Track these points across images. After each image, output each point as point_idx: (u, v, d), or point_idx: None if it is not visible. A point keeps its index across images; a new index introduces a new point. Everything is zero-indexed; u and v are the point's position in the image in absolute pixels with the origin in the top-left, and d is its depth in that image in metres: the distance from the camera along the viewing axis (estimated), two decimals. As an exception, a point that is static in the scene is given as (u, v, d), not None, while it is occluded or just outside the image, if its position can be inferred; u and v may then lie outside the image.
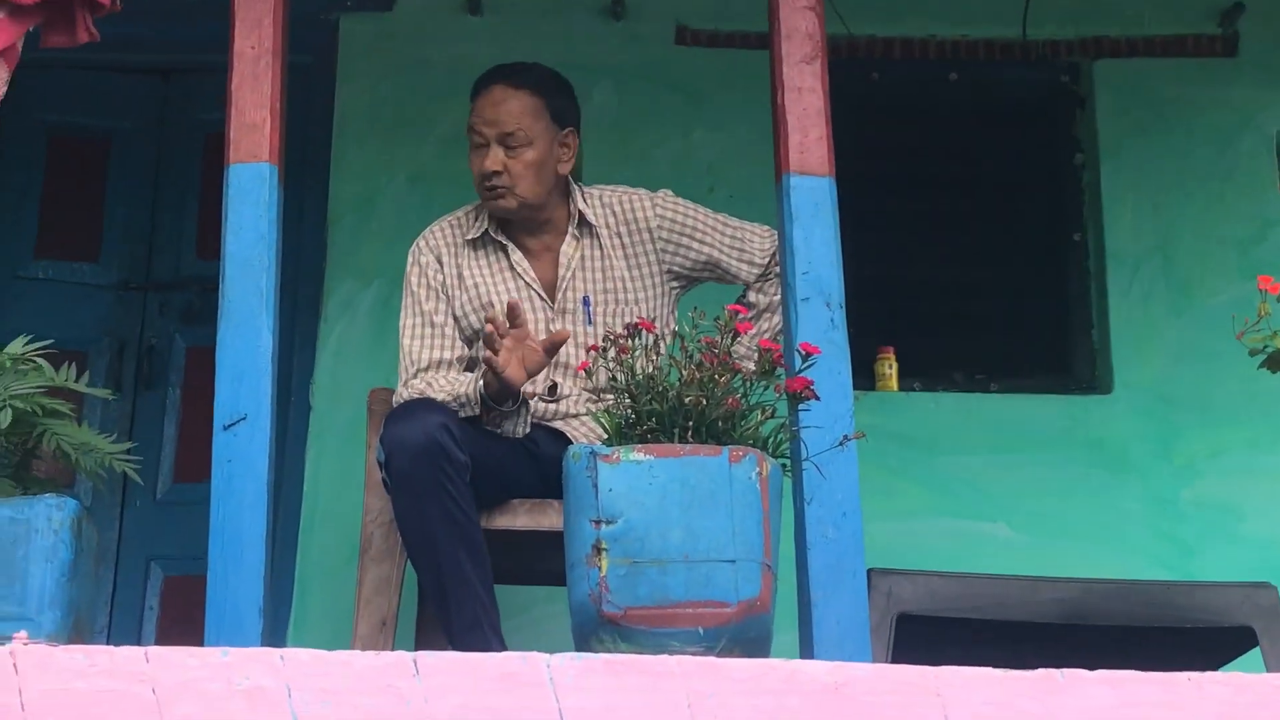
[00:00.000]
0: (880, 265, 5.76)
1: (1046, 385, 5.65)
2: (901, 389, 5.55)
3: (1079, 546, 5.12)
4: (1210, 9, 5.76)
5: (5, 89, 3.74)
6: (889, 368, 5.60)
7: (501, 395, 3.85)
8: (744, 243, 4.28)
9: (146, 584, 5.37)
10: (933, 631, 3.85)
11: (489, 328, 3.70)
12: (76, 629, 2.94)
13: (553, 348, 3.84)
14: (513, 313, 3.77)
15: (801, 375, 3.21)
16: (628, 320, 3.63)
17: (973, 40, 5.76)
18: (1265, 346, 3.17)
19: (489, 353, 3.73)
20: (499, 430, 3.94)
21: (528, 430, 3.96)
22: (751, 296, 4.25)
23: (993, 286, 5.85)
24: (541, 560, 3.78)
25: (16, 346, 3.10)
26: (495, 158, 4.09)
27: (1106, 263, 5.67)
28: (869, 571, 3.77)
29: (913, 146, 5.87)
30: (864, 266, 5.80)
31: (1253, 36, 5.73)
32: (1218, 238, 5.51)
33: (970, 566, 4.45)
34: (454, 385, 3.98)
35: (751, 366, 3.19)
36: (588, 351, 3.40)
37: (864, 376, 5.64)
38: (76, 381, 3.17)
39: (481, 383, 3.88)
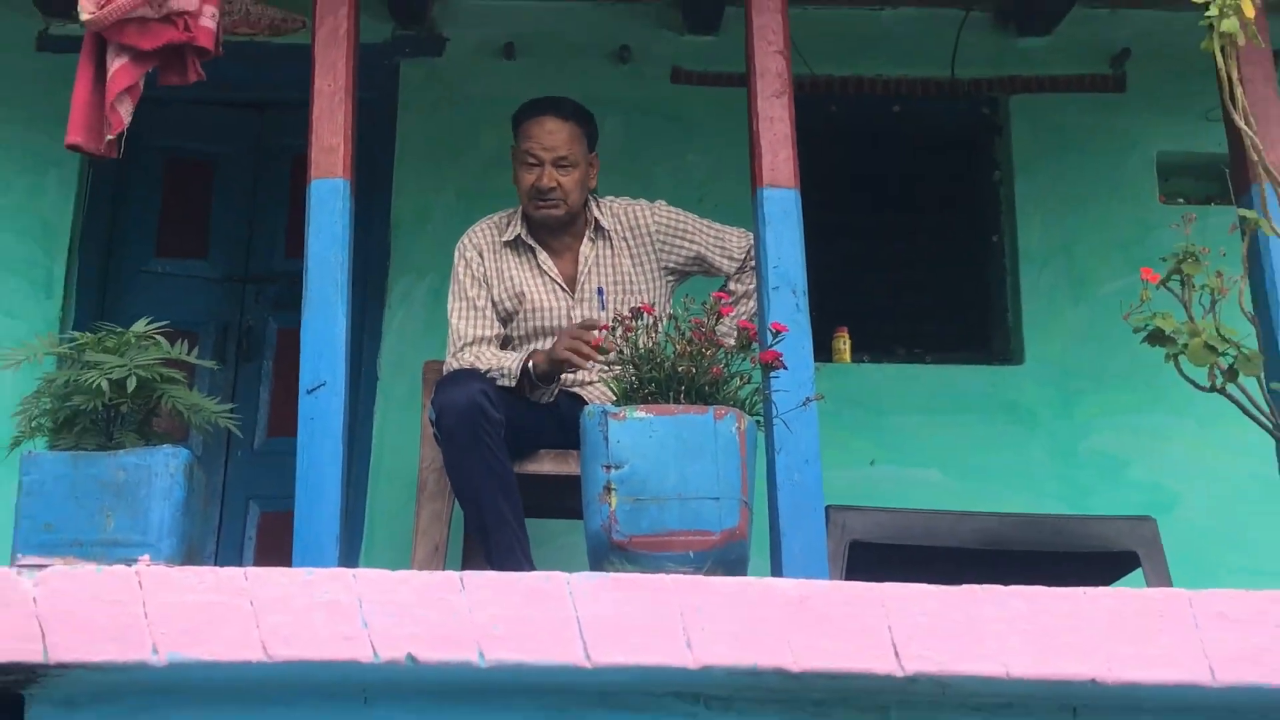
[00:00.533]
0: (837, 261, 5.75)
1: (970, 358, 5.64)
2: (854, 361, 5.54)
3: (996, 488, 5.12)
4: (1103, 53, 5.75)
5: (129, 120, 3.74)
6: (843, 344, 5.59)
7: (549, 377, 3.94)
8: (725, 242, 4.29)
9: (246, 519, 5.38)
10: (879, 556, 3.85)
11: (586, 350, 3.76)
12: (188, 554, 2.95)
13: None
14: (589, 326, 3.83)
15: (772, 349, 3.21)
16: (632, 306, 3.64)
17: (911, 79, 5.75)
18: (1146, 325, 3.17)
19: (569, 353, 3.81)
20: (530, 397, 3.95)
21: (553, 398, 3.98)
22: (731, 286, 4.26)
23: (927, 278, 5.84)
24: (563, 499, 3.78)
25: (140, 326, 3.11)
26: (551, 176, 4.12)
27: (1019, 260, 5.66)
28: (827, 508, 3.77)
29: (863, 165, 5.86)
30: (824, 262, 5.79)
31: (1137, 76, 5.72)
32: (1109, 239, 5.50)
33: (909, 504, 4.46)
34: (499, 360, 4.00)
35: (732, 342, 3.19)
36: (600, 331, 3.41)
37: (823, 351, 5.61)
38: (188, 355, 3.18)
39: (532, 363, 3.93)
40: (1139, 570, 3.98)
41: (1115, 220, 5.55)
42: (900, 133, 5.92)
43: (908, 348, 5.68)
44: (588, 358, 3.73)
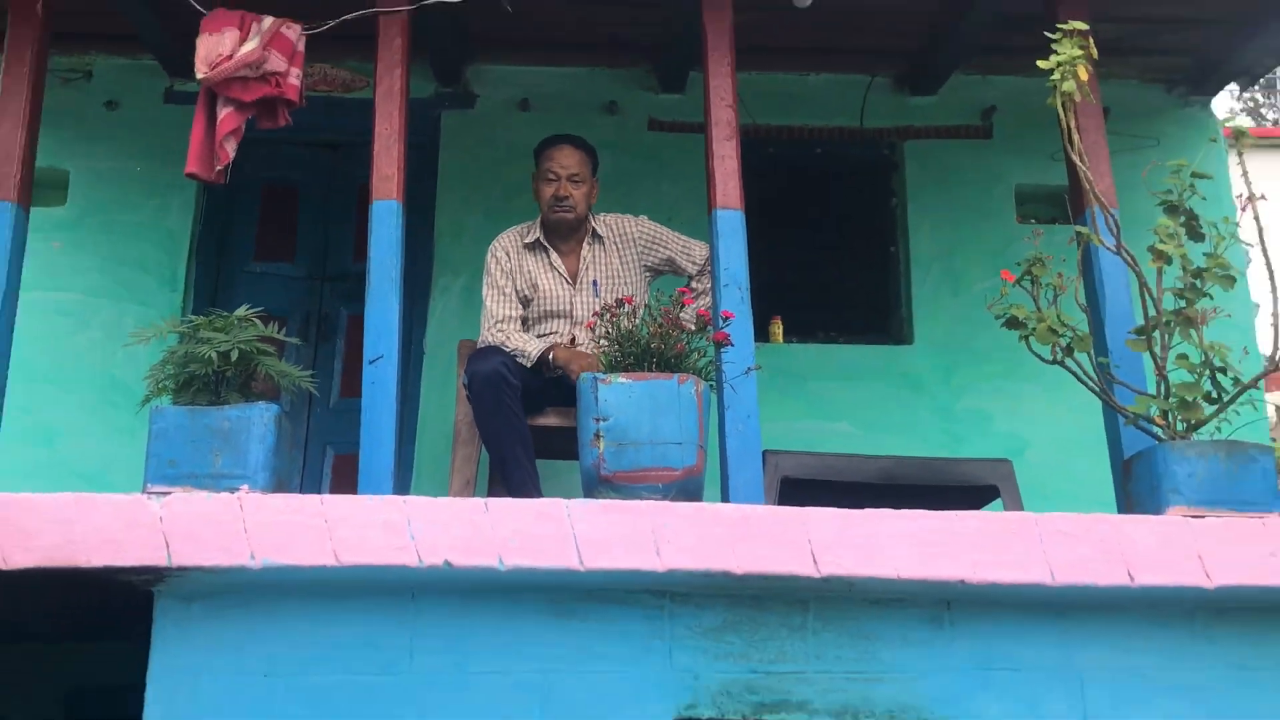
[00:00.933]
0: (774, 265, 5.77)
1: (874, 339, 5.63)
2: (785, 342, 5.53)
3: (892, 437, 5.12)
4: (976, 109, 5.73)
5: (234, 154, 3.73)
6: (778, 329, 5.58)
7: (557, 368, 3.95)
8: (690, 249, 4.29)
9: (324, 461, 5.36)
10: (804, 489, 3.86)
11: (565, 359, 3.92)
12: (278, 485, 2.95)
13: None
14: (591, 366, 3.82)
15: (722, 331, 3.22)
16: (619, 296, 3.64)
17: (830, 128, 5.73)
18: (1005, 314, 3.19)
19: (564, 361, 3.91)
20: (543, 374, 3.96)
21: (557, 375, 3.98)
22: (693, 284, 4.26)
23: (842, 279, 5.83)
24: (565, 445, 3.79)
25: (240, 311, 3.10)
26: (566, 188, 4.18)
27: (911, 265, 5.65)
28: (764, 452, 3.79)
29: (794, 193, 5.84)
30: (764, 266, 5.80)
31: (1001, 126, 5.70)
32: (978, 249, 5.49)
33: (827, 449, 4.46)
34: (524, 343, 4.00)
35: (693, 327, 3.20)
36: (594, 315, 3.42)
37: (762, 334, 5.62)
38: (278, 334, 3.18)
39: (552, 355, 3.95)
40: (999, 500, 4.00)
41: (983, 235, 5.54)
42: (822, 168, 5.91)
43: (826, 331, 5.67)
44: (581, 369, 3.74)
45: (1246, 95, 28.15)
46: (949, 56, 5.34)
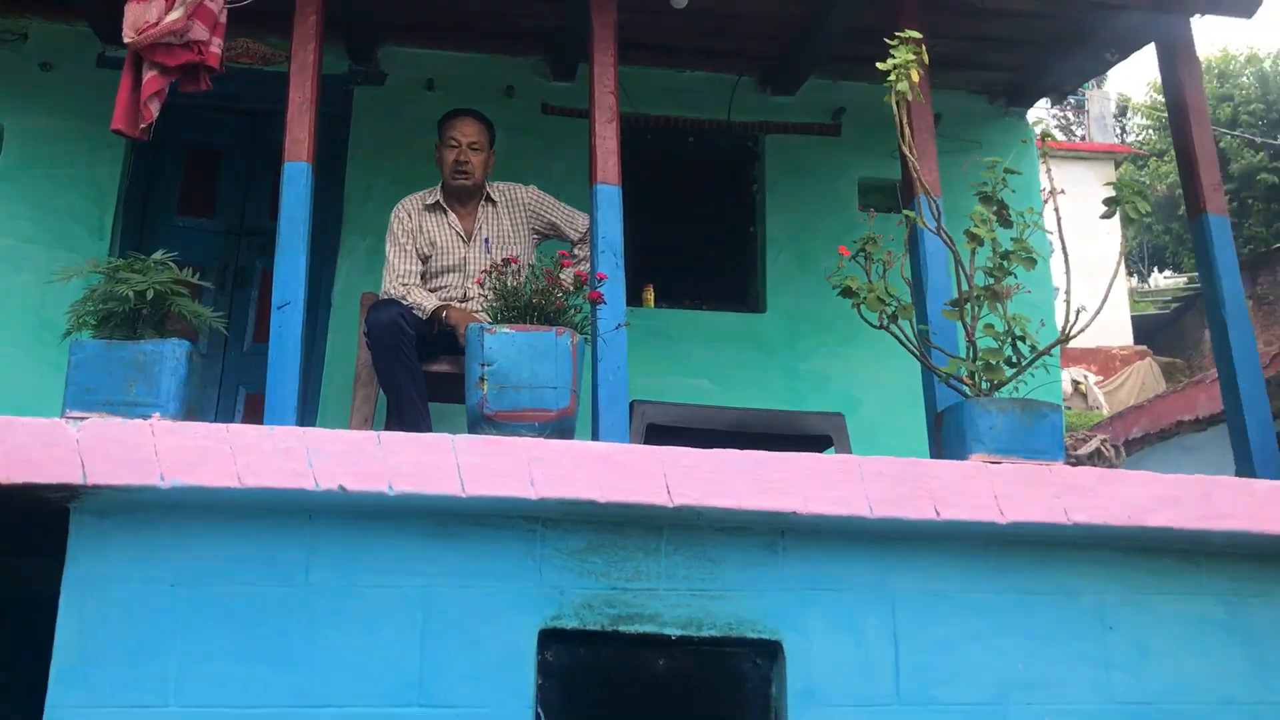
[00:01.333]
0: (649, 239, 5.78)
1: (733, 308, 5.68)
2: (656, 307, 5.56)
3: (746, 392, 5.17)
4: (828, 110, 5.78)
5: (157, 114, 3.59)
6: (650, 295, 5.60)
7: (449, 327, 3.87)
8: (573, 218, 4.27)
9: (237, 399, 5.21)
10: (667, 435, 3.88)
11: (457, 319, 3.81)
12: (188, 414, 2.85)
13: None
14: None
15: (597, 290, 3.20)
16: (506, 255, 3.60)
17: (701, 119, 5.73)
18: (841, 284, 3.23)
19: (455, 322, 3.81)
20: (434, 325, 3.90)
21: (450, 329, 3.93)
22: (575, 251, 4.23)
23: (707, 254, 5.86)
24: (455, 389, 3.74)
25: (157, 255, 2.99)
26: (467, 154, 4.12)
27: (767, 245, 5.69)
28: (633, 401, 3.80)
29: (669, 177, 5.85)
30: (640, 239, 5.80)
31: (849, 126, 5.76)
32: (824, 232, 5.54)
33: (689, 400, 4.49)
34: (421, 298, 3.94)
35: (571, 286, 3.18)
36: (483, 272, 3.37)
37: (636, 299, 5.63)
38: (191, 277, 3.07)
39: (445, 314, 3.88)
40: (831, 447, 4.07)
41: (830, 221, 5.60)
42: (693, 159, 5.92)
43: (692, 299, 5.70)
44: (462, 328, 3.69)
45: (1060, 114, 29.11)
46: (806, 61, 5.38)
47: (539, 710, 2.77)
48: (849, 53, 5.19)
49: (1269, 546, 3.05)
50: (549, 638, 2.80)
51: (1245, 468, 3.64)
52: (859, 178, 5.75)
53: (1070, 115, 28.61)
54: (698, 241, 5.88)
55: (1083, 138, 25.52)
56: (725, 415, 4.16)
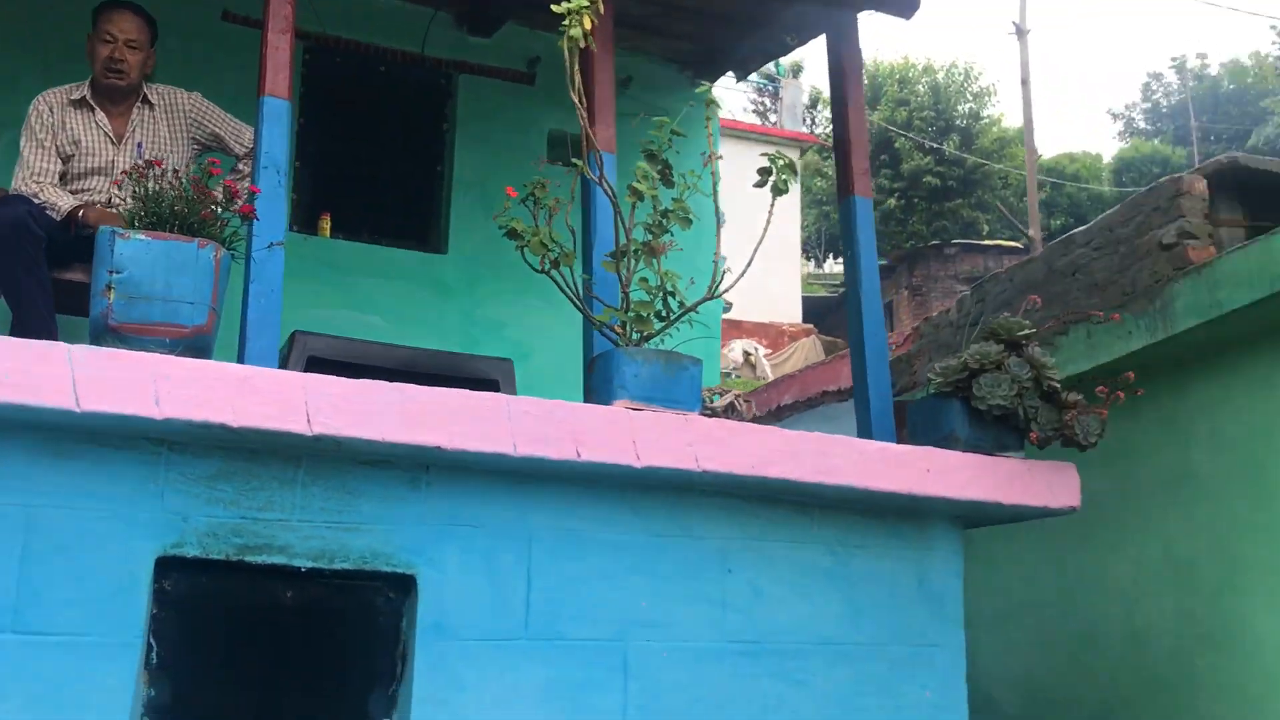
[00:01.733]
0: (331, 165, 5.59)
1: (414, 246, 5.60)
2: (332, 237, 5.39)
3: (420, 332, 5.12)
4: (523, 57, 5.79)
5: None
6: (326, 224, 5.42)
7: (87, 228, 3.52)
8: (240, 132, 4.02)
9: None
10: (331, 369, 3.75)
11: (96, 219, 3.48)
12: None
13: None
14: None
15: (249, 204, 3.04)
16: (147, 159, 3.33)
17: (394, 50, 5.58)
18: (507, 225, 3.22)
19: (93, 222, 3.47)
20: (71, 232, 3.57)
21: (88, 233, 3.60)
22: (240, 166, 3.99)
23: (391, 187, 5.74)
24: (87, 301, 3.45)
25: None
26: (123, 51, 3.77)
27: (453, 186, 5.66)
28: (295, 332, 3.65)
29: (356, 106, 5.66)
30: (320, 164, 5.60)
31: (543, 76, 5.79)
32: (509, 179, 5.28)
33: (359, 337, 4.37)
34: (56, 197, 3.59)
35: (220, 196, 2.99)
36: (123, 173, 3.12)
37: (311, 227, 5.44)
38: None
39: (82, 214, 3.54)
40: (500, 392, 4.08)
41: (517, 169, 5.51)
42: (385, 89, 5.75)
43: (371, 233, 5.57)
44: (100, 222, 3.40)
45: (758, 100, 30.61)
46: (502, 5, 5.34)
47: (151, 639, 2.63)
48: (548, 1, 5.19)
49: (873, 501, 3.34)
50: (167, 566, 2.66)
51: (865, 430, 3.97)
52: (549, 128, 5.79)
53: (768, 102, 30.14)
54: (383, 175, 5.74)
55: (776, 124, 26.97)
56: (393, 353, 4.07)
